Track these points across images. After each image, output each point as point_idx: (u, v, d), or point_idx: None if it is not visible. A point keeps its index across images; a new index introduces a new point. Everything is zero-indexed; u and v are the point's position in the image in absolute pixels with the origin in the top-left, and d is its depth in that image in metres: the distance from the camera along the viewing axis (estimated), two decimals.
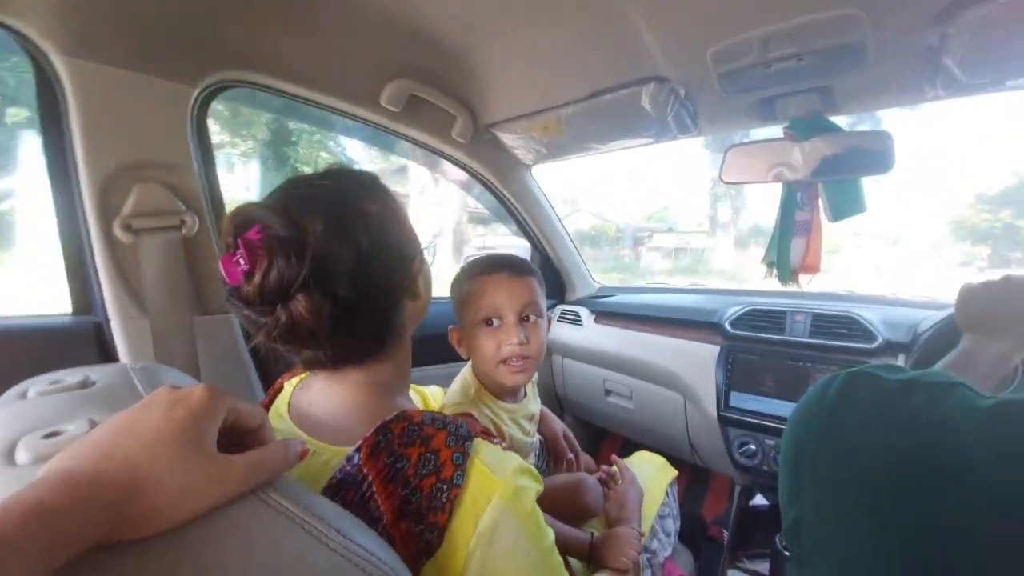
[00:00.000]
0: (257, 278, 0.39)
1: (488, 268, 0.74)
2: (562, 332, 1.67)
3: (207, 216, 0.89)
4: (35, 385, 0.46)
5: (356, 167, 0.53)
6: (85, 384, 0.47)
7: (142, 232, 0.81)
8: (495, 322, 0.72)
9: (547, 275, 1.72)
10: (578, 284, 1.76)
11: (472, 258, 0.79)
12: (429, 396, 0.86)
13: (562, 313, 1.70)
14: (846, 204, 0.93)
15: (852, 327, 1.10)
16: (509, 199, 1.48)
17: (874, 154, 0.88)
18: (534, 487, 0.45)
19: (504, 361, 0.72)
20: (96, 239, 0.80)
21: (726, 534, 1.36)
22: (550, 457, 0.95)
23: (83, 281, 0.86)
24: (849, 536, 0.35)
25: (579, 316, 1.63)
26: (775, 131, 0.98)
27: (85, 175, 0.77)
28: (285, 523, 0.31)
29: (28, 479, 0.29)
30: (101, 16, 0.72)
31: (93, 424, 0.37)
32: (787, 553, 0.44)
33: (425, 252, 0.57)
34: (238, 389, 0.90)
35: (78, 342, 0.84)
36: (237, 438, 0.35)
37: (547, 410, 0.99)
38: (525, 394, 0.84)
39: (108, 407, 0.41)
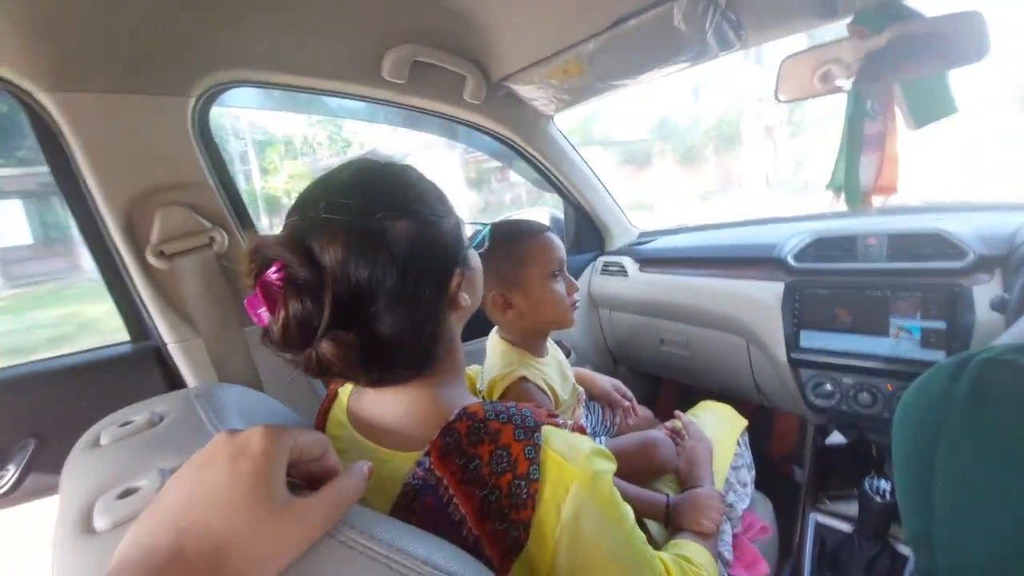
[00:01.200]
0: (278, 326, 0.37)
1: (539, 228, 0.80)
2: (606, 284, 1.60)
3: (234, 228, 0.87)
4: (107, 429, 0.47)
5: (385, 162, 0.46)
6: (152, 423, 0.48)
7: (175, 256, 0.81)
8: (559, 274, 0.79)
9: (583, 227, 1.64)
10: (617, 233, 1.66)
11: (502, 222, 0.81)
12: (473, 375, 0.85)
13: (604, 265, 1.62)
14: (932, 105, 0.78)
15: (938, 244, 0.97)
16: (534, 155, 1.38)
17: (964, 40, 0.72)
18: (610, 468, 0.45)
19: (573, 304, 0.81)
20: (133, 269, 0.81)
21: (797, 471, 1.33)
22: (610, 412, 0.96)
23: (134, 309, 0.88)
24: (997, 549, 0.29)
25: (623, 266, 1.55)
26: (838, 31, 0.83)
27: (105, 208, 0.77)
28: (371, 565, 0.30)
29: (110, 547, 0.29)
30: (74, 44, 0.68)
31: (163, 475, 0.37)
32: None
33: (470, 249, 0.51)
34: (301, 396, 0.92)
35: (141, 368, 0.87)
36: (304, 471, 0.34)
37: (587, 371, 1.00)
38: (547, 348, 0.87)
39: (176, 449, 0.41)
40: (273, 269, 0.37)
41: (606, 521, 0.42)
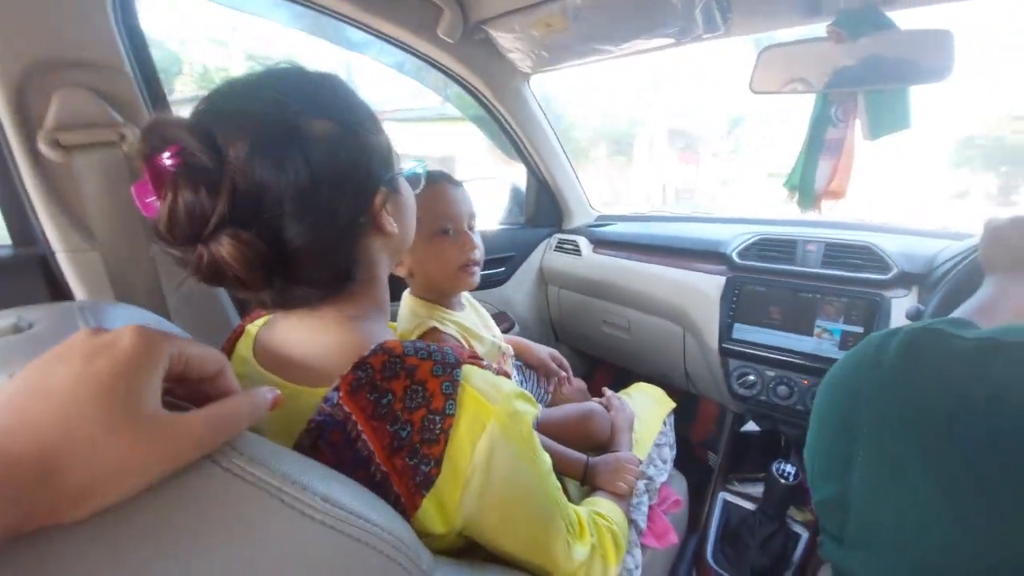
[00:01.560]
0: (164, 212, 0.33)
1: (433, 177, 0.73)
2: (558, 261, 1.60)
3: None
4: None
5: (311, 68, 0.42)
6: (18, 328, 0.40)
7: (74, 149, 0.68)
8: (451, 231, 0.74)
9: (543, 201, 1.62)
10: (576, 212, 1.66)
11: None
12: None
13: (559, 242, 1.62)
14: (889, 118, 0.82)
15: (867, 256, 1.05)
16: (503, 114, 1.32)
17: (932, 58, 0.75)
18: (531, 411, 0.44)
19: (464, 266, 0.76)
20: (20, 158, 0.68)
21: (712, 456, 1.42)
22: (546, 381, 0.98)
23: (18, 206, 0.74)
24: (917, 515, 0.30)
25: (577, 245, 1.56)
26: (816, 31, 0.84)
27: None
28: (258, 495, 0.26)
29: None
30: None
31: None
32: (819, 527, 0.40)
33: (400, 176, 0.47)
34: (211, 326, 0.83)
35: (22, 278, 0.75)
36: (192, 389, 0.29)
37: (525, 340, 1.00)
38: (462, 304, 0.85)
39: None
40: (168, 153, 0.32)
41: (521, 461, 0.41)
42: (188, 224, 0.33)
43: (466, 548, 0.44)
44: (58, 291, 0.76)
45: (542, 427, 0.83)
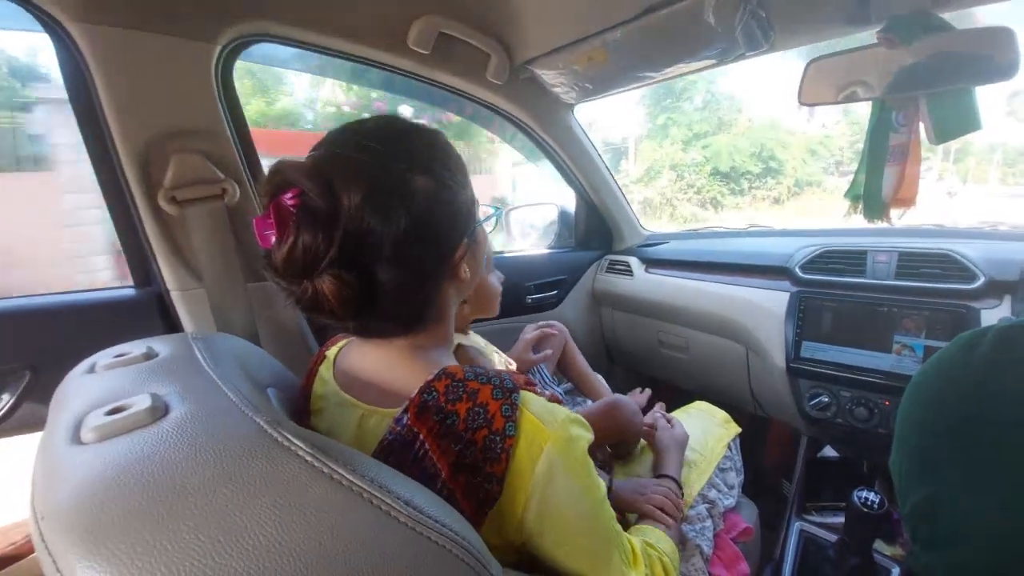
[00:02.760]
0: (283, 250, 0.38)
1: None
2: (611, 283, 1.60)
3: (247, 182, 0.88)
4: (102, 359, 0.47)
5: (415, 123, 0.46)
6: (149, 356, 0.47)
7: (186, 203, 0.81)
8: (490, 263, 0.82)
9: (593, 224, 1.64)
10: (627, 233, 1.66)
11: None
12: None
13: (610, 264, 1.62)
14: (956, 120, 0.77)
15: (947, 265, 0.97)
16: (550, 144, 1.38)
17: (994, 56, 0.71)
18: (585, 436, 0.45)
19: (498, 295, 0.85)
20: (144, 213, 0.81)
21: (786, 484, 1.32)
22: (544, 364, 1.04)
23: (140, 255, 0.88)
24: (1012, 513, 0.29)
25: (628, 266, 1.55)
26: (866, 39, 0.82)
27: (122, 148, 0.77)
28: (354, 500, 0.29)
29: (94, 457, 0.30)
30: None
31: (155, 397, 0.37)
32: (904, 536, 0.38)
33: (485, 224, 0.53)
34: (295, 353, 0.92)
35: (142, 314, 0.87)
36: None
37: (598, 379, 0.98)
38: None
39: (169, 378, 0.41)
40: (290, 194, 0.37)
41: (577, 485, 0.43)
42: (303, 262, 0.37)
43: (527, 562, 0.45)
44: (171, 323, 0.88)
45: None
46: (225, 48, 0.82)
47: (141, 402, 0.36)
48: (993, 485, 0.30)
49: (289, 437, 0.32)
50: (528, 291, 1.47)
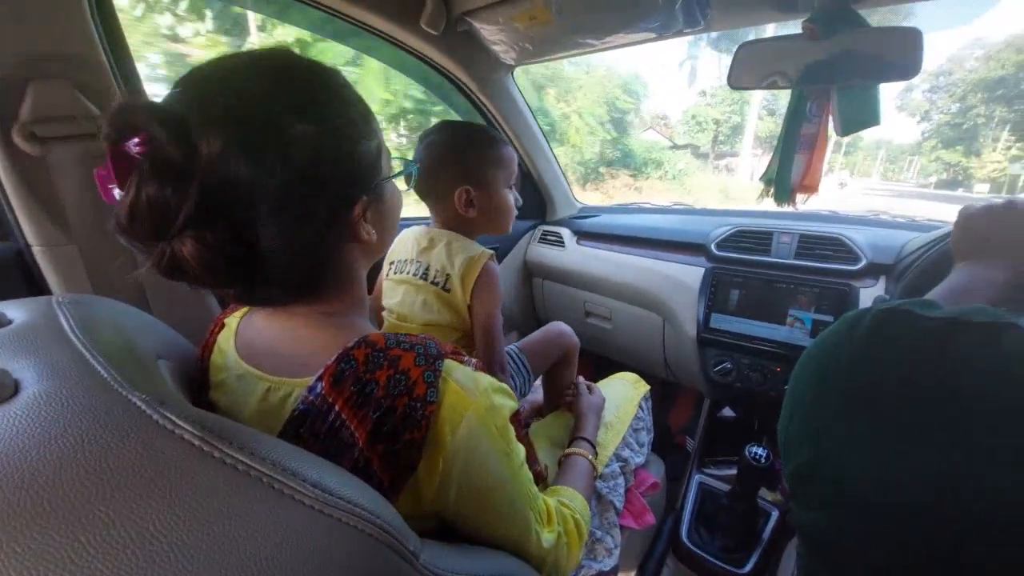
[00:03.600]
0: (124, 206, 0.31)
1: (505, 139, 0.86)
2: (543, 253, 1.61)
3: None
4: None
5: (305, 59, 0.39)
6: (0, 323, 0.39)
7: (50, 141, 0.67)
8: (512, 185, 0.88)
9: (527, 192, 1.62)
10: (560, 204, 1.67)
11: (467, 123, 0.90)
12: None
13: (543, 234, 1.63)
14: (860, 115, 0.85)
15: (837, 247, 1.09)
16: (486, 105, 1.32)
17: (900, 56, 0.78)
18: (508, 404, 0.45)
19: (513, 215, 0.89)
20: None
21: (690, 442, 1.47)
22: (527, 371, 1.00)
23: None
24: (889, 480, 0.33)
25: (560, 237, 1.57)
26: (792, 28, 0.86)
27: None
28: (251, 482, 0.27)
29: None
30: None
31: (2, 374, 0.31)
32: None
33: (389, 181, 0.47)
34: (192, 318, 0.82)
35: None
36: None
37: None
38: None
39: (25, 351, 0.34)
40: (136, 140, 0.31)
41: (496, 453, 0.43)
42: (151, 221, 0.32)
43: (446, 529, 0.46)
44: (34, 286, 0.75)
45: (529, 356, 0.96)
46: None
47: None
48: (866, 452, 0.34)
49: (172, 418, 0.28)
50: None
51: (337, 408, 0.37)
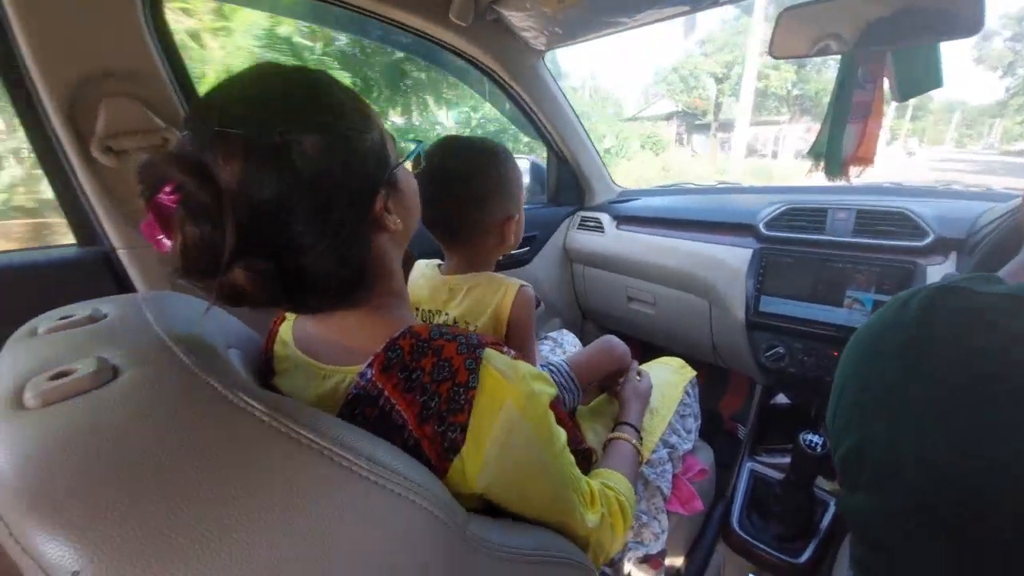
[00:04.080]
0: (176, 251, 0.34)
1: (518, 160, 0.76)
2: (582, 240, 1.60)
3: None
4: (44, 322, 0.44)
5: (289, 71, 0.40)
6: (94, 318, 0.45)
7: (124, 154, 0.74)
8: None
9: (564, 180, 1.61)
10: (598, 189, 1.65)
11: (482, 139, 0.75)
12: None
13: (582, 220, 1.62)
14: (920, 77, 0.78)
15: (901, 223, 1.01)
16: (519, 93, 1.32)
17: (962, 11, 0.71)
18: (547, 391, 0.46)
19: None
20: (78, 165, 0.75)
21: (741, 429, 1.42)
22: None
23: (79, 211, 0.82)
24: (935, 467, 0.32)
25: (600, 223, 1.55)
26: None
27: (47, 96, 0.69)
28: (315, 458, 0.30)
29: (38, 423, 0.29)
30: None
31: (102, 361, 0.36)
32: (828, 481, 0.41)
33: (399, 167, 0.47)
34: (258, 312, 0.89)
35: (88, 274, 0.82)
36: None
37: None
38: None
39: (118, 341, 0.39)
40: (167, 190, 0.33)
41: (536, 438, 0.44)
42: (202, 261, 0.34)
43: (492, 509, 0.47)
44: (121, 285, 0.83)
45: (577, 370, 0.87)
46: None
47: (87, 366, 0.35)
48: (915, 433, 0.33)
49: (244, 398, 0.31)
50: None
51: (387, 393, 0.40)
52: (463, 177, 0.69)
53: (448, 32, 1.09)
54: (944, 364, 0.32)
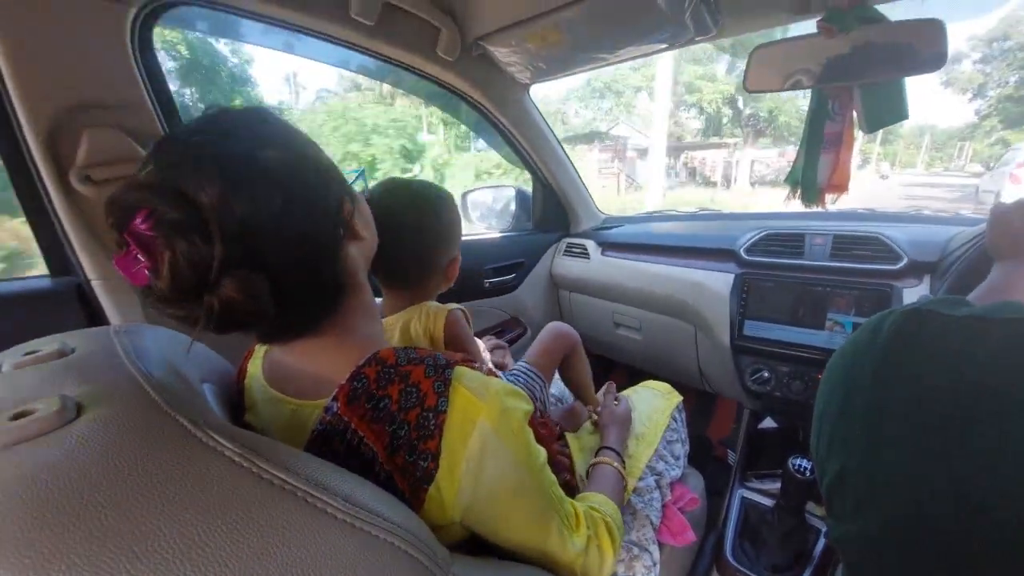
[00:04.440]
0: (165, 274, 0.33)
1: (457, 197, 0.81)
2: (568, 266, 1.62)
3: None
4: (9, 357, 0.42)
5: (235, 106, 0.42)
6: (63, 352, 0.43)
7: (103, 184, 0.73)
8: None
9: (550, 207, 1.64)
10: (583, 216, 1.67)
11: (424, 182, 0.74)
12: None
13: (568, 247, 1.64)
14: (885, 110, 0.82)
15: (876, 247, 1.04)
16: (505, 125, 1.35)
17: (925, 47, 0.76)
18: (521, 407, 0.45)
19: None
20: (55, 194, 0.73)
21: (731, 455, 1.41)
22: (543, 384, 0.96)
23: (54, 239, 0.80)
24: (909, 490, 0.32)
25: (585, 249, 1.57)
26: (807, 28, 0.85)
27: (27, 121, 0.68)
28: (284, 496, 0.28)
29: None
30: None
31: (65, 399, 0.34)
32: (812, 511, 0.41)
33: (352, 183, 0.49)
34: (237, 344, 0.87)
35: (61, 306, 0.80)
36: None
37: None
38: None
39: (85, 377, 0.38)
40: (139, 219, 0.32)
41: (512, 457, 0.42)
42: (193, 274, 0.33)
43: (473, 542, 0.46)
44: (94, 317, 0.81)
45: (536, 364, 0.90)
46: (142, 10, 0.74)
47: (48, 406, 0.33)
48: (890, 461, 0.33)
49: (214, 436, 0.30)
50: (486, 274, 1.46)
51: (353, 426, 0.39)
52: (414, 227, 0.67)
53: (435, 67, 1.12)
54: (918, 389, 0.33)
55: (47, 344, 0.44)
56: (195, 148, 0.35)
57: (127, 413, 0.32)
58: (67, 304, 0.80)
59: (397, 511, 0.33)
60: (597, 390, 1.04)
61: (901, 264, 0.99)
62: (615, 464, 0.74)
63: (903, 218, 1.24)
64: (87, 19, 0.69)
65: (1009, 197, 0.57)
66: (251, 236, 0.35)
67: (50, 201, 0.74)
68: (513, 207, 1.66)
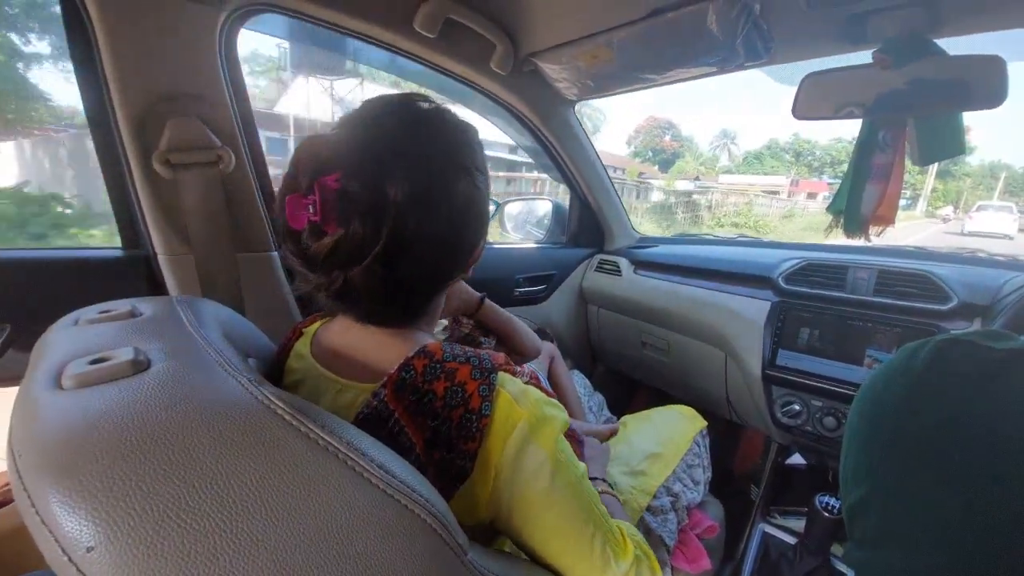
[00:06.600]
0: (328, 240, 0.37)
1: None
2: (599, 282, 1.62)
3: (243, 152, 0.87)
4: (86, 313, 0.47)
5: (451, 112, 0.45)
6: (133, 314, 0.48)
7: (180, 168, 0.80)
8: None
9: (586, 222, 1.66)
10: (618, 233, 1.68)
11: None
12: None
13: (600, 263, 1.64)
14: (941, 144, 0.80)
15: (924, 286, 1.00)
16: (549, 139, 1.39)
17: (983, 84, 0.74)
18: (560, 416, 0.46)
19: None
20: (137, 174, 0.81)
21: (754, 490, 1.36)
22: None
23: (130, 217, 0.88)
24: (934, 520, 0.31)
25: (618, 266, 1.57)
26: (862, 58, 0.85)
27: (121, 108, 0.76)
28: (326, 457, 0.31)
29: (72, 404, 0.30)
30: None
31: (138, 351, 0.38)
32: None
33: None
34: (280, 327, 0.92)
35: (129, 275, 0.87)
36: None
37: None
38: None
39: (153, 336, 0.42)
40: (334, 176, 0.36)
41: (547, 462, 0.42)
42: (350, 254, 0.37)
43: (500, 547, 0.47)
44: (157, 287, 0.88)
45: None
46: (231, 15, 0.81)
47: (124, 354, 0.37)
48: (915, 492, 0.32)
49: (269, 396, 0.33)
50: (517, 283, 1.48)
51: (397, 415, 0.41)
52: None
53: (488, 79, 1.17)
54: (950, 415, 0.32)
55: (119, 306, 0.49)
56: (408, 141, 0.39)
57: (190, 370, 0.35)
58: (134, 274, 0.87)
59: (425, 487, 0.34)
60: (623, 410, 1.03)
61: (951, 304, 0.95)
62: (606, 489, 0.70)
63: (954, 259, 1.19)
64: (183, 19, 0.77)
65: None
66: (409, 246, 0.39)
67: (132, 180, 0.82)
68: (549, 220, 1.69)
